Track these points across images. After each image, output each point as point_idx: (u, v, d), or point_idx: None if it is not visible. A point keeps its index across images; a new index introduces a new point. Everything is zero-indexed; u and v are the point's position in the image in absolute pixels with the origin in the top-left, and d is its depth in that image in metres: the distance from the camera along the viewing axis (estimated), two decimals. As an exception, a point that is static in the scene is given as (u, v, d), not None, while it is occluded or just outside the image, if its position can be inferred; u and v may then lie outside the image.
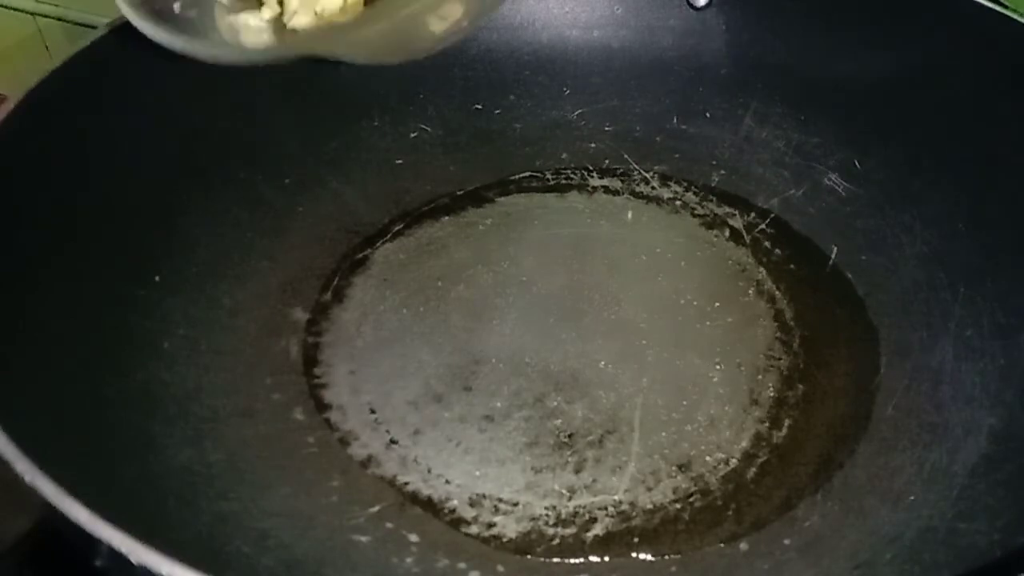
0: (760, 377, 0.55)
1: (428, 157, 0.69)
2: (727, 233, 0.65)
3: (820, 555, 0.47)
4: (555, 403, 0.54)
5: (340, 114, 0.69)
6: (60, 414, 0.45)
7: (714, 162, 0.70)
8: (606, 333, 0.57)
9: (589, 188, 0.68)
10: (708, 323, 0.58)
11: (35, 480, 0.36)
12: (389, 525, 0.48)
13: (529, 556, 0.47)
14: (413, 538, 0.48)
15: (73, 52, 0.56)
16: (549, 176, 0.69)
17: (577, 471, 0.51)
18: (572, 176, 0.69)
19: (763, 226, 0.65)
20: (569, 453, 0.52)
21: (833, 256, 0.63)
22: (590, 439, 0.52)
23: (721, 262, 0.63)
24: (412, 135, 0.71)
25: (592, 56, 0.74)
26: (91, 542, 0.35)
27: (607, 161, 0.70)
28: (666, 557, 0.47)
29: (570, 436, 0.53)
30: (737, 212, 0.66)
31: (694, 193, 0.68)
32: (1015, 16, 0.61)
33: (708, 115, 0.72)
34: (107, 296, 0.52)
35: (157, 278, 0.56)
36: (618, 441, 0.52)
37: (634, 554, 0.48)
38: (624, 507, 0.49)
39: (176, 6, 0.50)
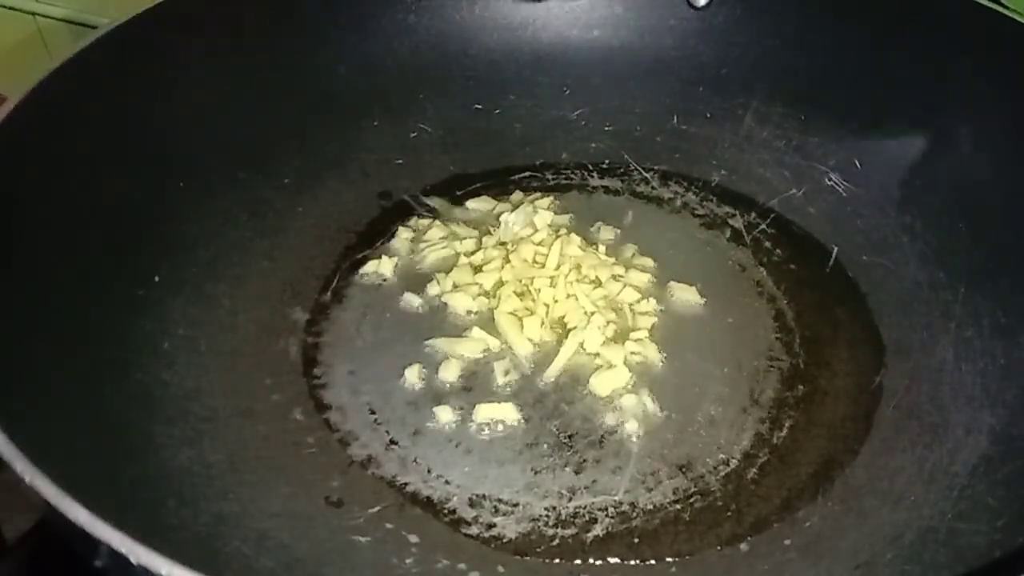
0: (760, 377, 0.55)
1: (428, 157, 0.69)
2: (727, 233, 0.65)
3: (820, 555, 0.47)
4: (555, 403, 0.54)
5: (340, 114, 0.69)
6: (60, 414, 0.45)
7: (714, 162, 0.70)
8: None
9: (589, 188, 0.68)
10: (708, 323, 0.58)
11: (35, 480, 0.36)
12: (389, 525, 0.48)
13: (529, 557, 0.47)
14: (413, 539, 0.48)
15: (73, 52, 0.56)
16: (549, 176, 0.69)
17: (577, 472, 0.51)
18: (572, 176, 0.69)
19: (763, 226, 0.65)
20: (569, 453, 0.52)
21: (833, 256, 0.63)
22: (590, 439, 0.52)
23: (721, 262, 0.63)
24: (412, 135, 0.71)
25: (592, 56, 0.74)
26: (91, 542, 0.35)
27: (607, 161, 0.70)
28: (667, 558, 0.47)
29: (570, 436, 0.53)
30: (737, 212, 0.66)
31: (694, 193, 0.67)
32: (1015, 16, 0.61)
33: (708, 115, 0.72)
34: (107, 296, 0.52)
35: (157, 278, 0.56)
36: (618, 441, 0.52)
37: (634, 555, 0.48)
38: (624, 508, 0.49)
39: None
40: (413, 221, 0.65)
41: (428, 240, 0.63)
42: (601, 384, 0.54)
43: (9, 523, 0.47)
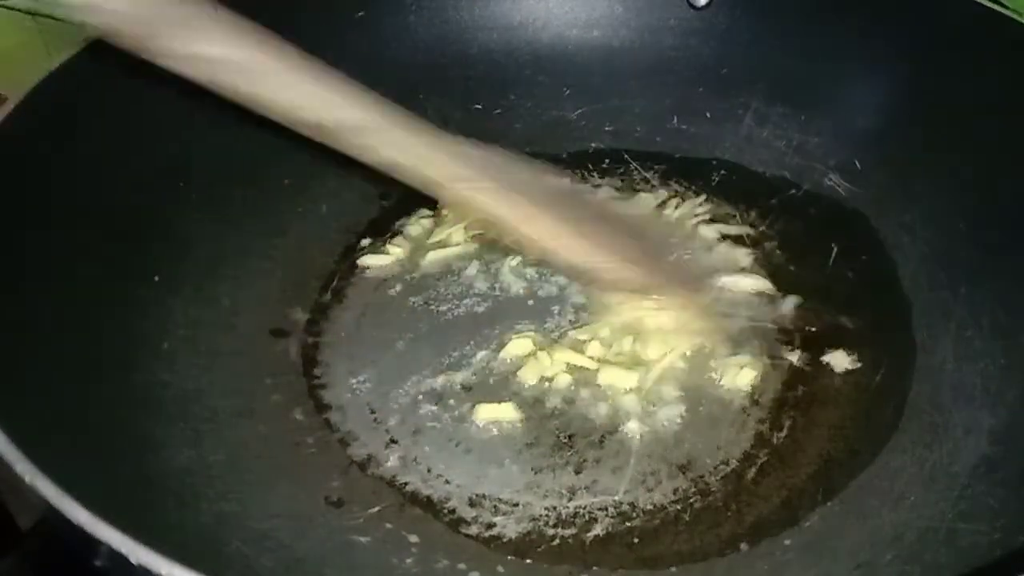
0: (760, 378, 0.55)
1: (428, 157, 0.69)
2: (727, 233, 0.64)
3: (820, 555, 0.47)
4: (555, 403, 0.54)
5: (340, 114, 0.69)
6: (60, 414, 0.45)
7: (714, 162, 0.70)
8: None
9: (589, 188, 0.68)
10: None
11: (35, 480, 0.36)
12: (389, 525, 0.48)
13: (529, 557, 0.47)
14: (413, 538, 0.48)
15: (73, 52, 0.56)
16: (549, 176, 0.69)
17: (577, 471, 0.51)
18: (572, 176, 0.68)
19: (763, 226, 0.65)
20: (569, 453, 0.52)
21: (833, 256, 0.63)
22: (590, 439, 0.52)
23: (721, 263, 0.62)
24: (412, 135, 0.70)
25: (592, 56, 0.74)
26: (91, 542, 0.35)
27: (607, 160, 0.70)
28: (666, 558, 0.47)
29: (570, 436, 0.52)
30: (737, 212, 0.66)
31: (694, 193, 0.67)
32: (1015, 16, 0.61)
33: (708, 115, 0.72)
34: (107, 296, 0.52)
35: (157, 278, 0.56)
36: (618, 442, 0.52)
37: (634, 555, 0.47)
38: (624, 508, 0.49)
39: None
40: (414, 221, 0.65)
41: (429, 240, 0.63)
42: (609, 376, 0.54)
43: (9, 523, 0.47)
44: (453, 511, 0.49)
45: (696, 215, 0.65)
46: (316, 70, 0.50)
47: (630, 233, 0.60)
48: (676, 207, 0.65)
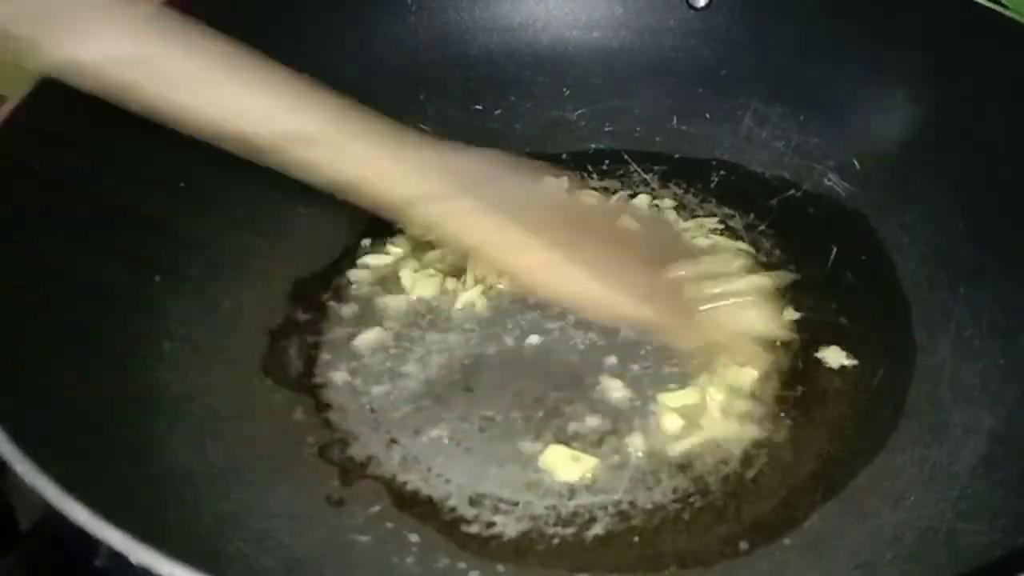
0: (760, 377, 0.55)
1: (428, 157, 0.69)
2: (727, 233, 0.65)
3: (820, 555, 0.47)
4: (555, 403, 0.54)
5: (340, 114, 0.69)
6: (60, 414, 0.45)
7: (714, 163, 0.70)
8: (607, 333, 0.57)
9: (589, 189, 0.68)
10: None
11: (35, 480, 0.36)
12: (389, 525, 0.48)
13: (529, 556, 0.47)
14: (413, 538, 0.48)
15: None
16: (549, 176, 0.69)
17: (577, 471, 0.51)
18: (572, 177, 0.68)
19: (763, 226, 0.65)
20: (569, 453, 0.52)
21: (833, 256, 0.63)
22: (590, 439, 0.52)
23: (721, 263, 0.62)
24: (412, 135, 0.71)
25: (592, 56, 0.74)
26: (91, 542, 0.35)
27: (607, 161, 0.70)
28: (666, 558, 0.47)
29: (571, 436, 0.52)
30: (737, 213, 0.66)
31: (694, 194, 0.67)
32: (1015, 16, 0.61)
33: (708, 115, 0.72)
34: (107, 296, 0.52)
35: (157, 278, 0.56)
36: (618, 441, 0.52)
37: (634, 554, 0.47)
38: (624, 507, 0.49)
39: None
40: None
41: (428, 239, 0.63)
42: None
43: (9, 523, 0.47)
44: (453, 510, 0.49)
45: (702, 227, 0.65)
46: (246, 68, 0.40)
47: (628, 250, 0.55)
48: (682, 219, 0.65)
